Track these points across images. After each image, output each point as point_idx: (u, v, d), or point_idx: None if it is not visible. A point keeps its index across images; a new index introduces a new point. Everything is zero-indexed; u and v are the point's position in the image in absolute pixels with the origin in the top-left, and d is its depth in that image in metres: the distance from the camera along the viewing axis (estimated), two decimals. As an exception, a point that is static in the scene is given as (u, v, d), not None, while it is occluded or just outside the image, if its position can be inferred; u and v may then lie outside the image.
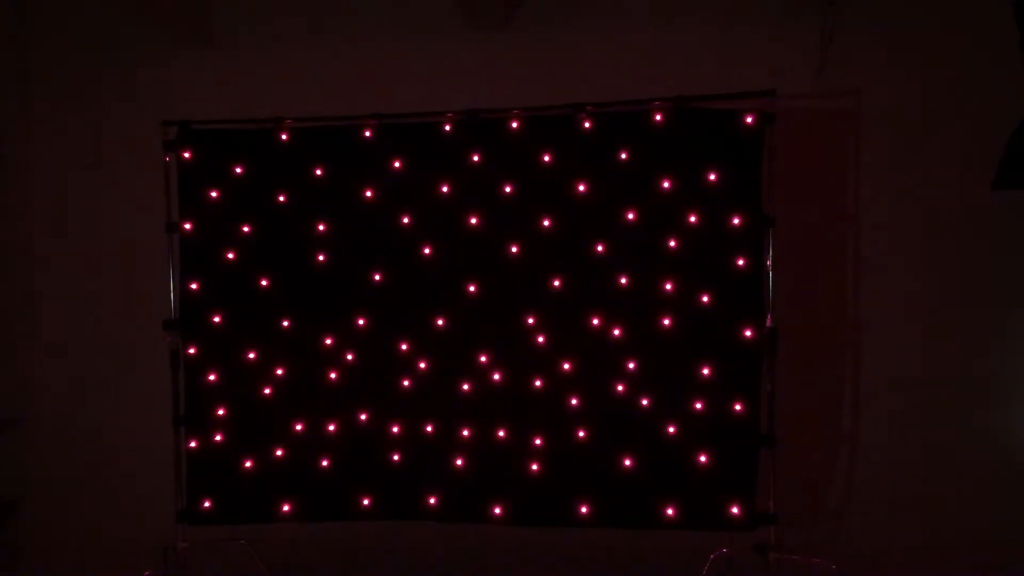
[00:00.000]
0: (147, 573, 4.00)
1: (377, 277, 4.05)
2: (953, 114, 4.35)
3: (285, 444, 4.08)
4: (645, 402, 3.89)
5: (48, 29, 5.03)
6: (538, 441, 3.95)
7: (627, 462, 3.88)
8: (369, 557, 4.34)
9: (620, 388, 3.90)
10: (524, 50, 4.53)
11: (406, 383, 4.04)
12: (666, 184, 3.87)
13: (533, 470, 3.94)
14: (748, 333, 3.80)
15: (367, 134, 4.05)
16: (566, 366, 3.94)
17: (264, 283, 4.09)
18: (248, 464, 4.08)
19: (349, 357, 4.06)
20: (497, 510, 3.96)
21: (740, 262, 3.81)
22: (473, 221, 3.99)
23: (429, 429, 4.02)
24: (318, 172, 4.07)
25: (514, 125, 3.97)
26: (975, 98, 4.32)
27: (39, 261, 5.09)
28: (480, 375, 3.99)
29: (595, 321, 3.92)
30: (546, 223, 3.95)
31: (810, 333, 4.31)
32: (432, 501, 4.00)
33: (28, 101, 5.06)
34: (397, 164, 4.04)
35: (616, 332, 3.91)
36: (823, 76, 4.39)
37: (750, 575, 3.88)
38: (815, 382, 4.40)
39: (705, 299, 3.84)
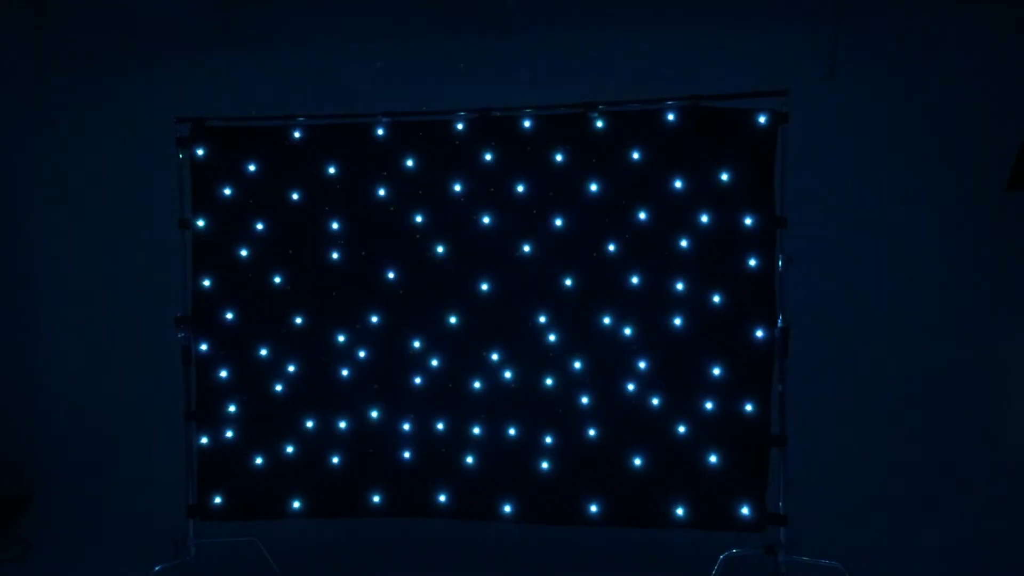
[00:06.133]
0: (158, 568, 4.01)
1: (390, 274, 4.05)
2: (966, 115, 4.35)
3: (296, 441, 4.09)
4: (656, 401, 3.89)
5: (63, 26, 5.06)
6: (548, 439, 3.95)
7: (637, 461, 3.88)
8: (378, 554, 4.35)
9: (631, 387, 3.90)
10: (537, 48, 4.54)
11: (417, 380, 4.04)
12: (678, 183, 3.87)
13: (543, 468, 3.94)
14: (760, 333, 3.79)
15: (379, 132, 4.06)
16: (577, 364, 3.94)
17: (276, 280, 4.10)
18: (258, 460, 4.09)
19: (361, 354, 4.07)
20: (507, 508, 3.96)
21: (752, 262, 3.81)
22: (485, 220, 4.00)
23: (440, 426, 4.03)
24: (331, 170, 4.08)
25: (526, 124, 3.97)
26: (989, 99, 4.31)
27: (51, 257, 5.12)
28: (491, 373, 4.00)
29: (606, 320, 3.92)
30: (558, 222, 3.95)
31: (822, 333, 4.31)
32: (442, 499, 4.01)
33: (41, 98, 5.09)
34: (409, 162, 4.05)
35: (627, 331, 3.91)
36: (835, 76, 4.39)
37: None
38: (826, 383, 4.39)
39: (716, 299, 3.84)
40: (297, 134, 4.09)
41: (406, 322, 4.05)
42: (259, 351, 4.10)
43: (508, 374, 3.99)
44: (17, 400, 5.05)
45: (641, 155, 3.90)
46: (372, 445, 4.06)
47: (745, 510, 3.79)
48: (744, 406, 3.81)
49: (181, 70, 4.96)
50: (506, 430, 3.98)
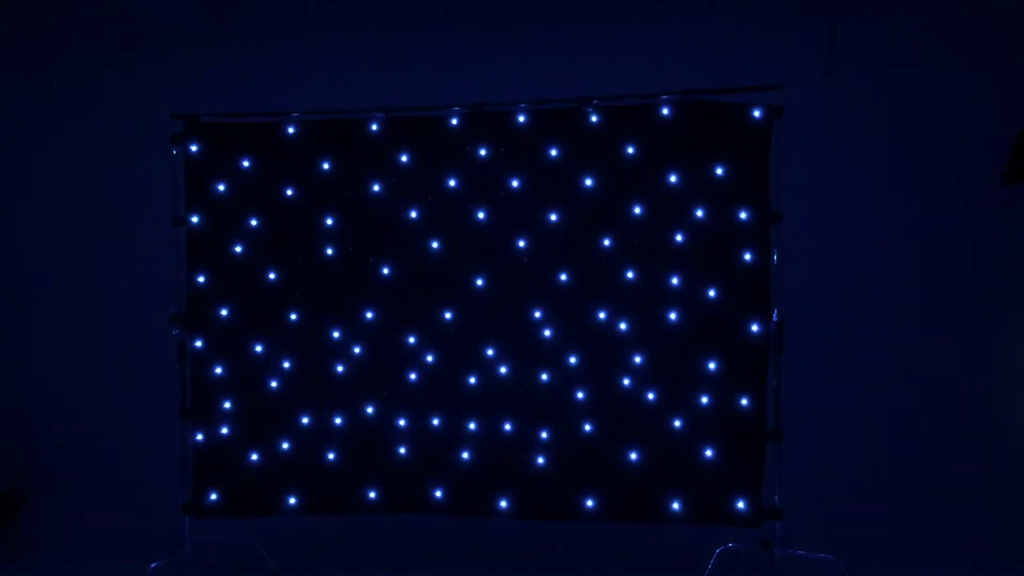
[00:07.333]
0: (153, 565, 4.01)
1: (385, 270, 4.05)
2: (961, 108, 4.35)
3: (291, 437, 4.08)
4: (651, 396, 3.88)
5: (58, 23, 5.04)
6: (544, 435, 3.95)
7: (633, 456, 3.88)
8: (374, 551, 4.34)
9: (626, 382, 3.90)
10: (532, 43, 4.53)
11: (413, 376, 4.04)
12: (673, 178, 3.86)
13: (539, 464, 3.94)
14: (755, 328, 3.79)
15: (374, 127, 4.05)
16: (573, 360, 3.94)
17: (271, 276, 4.09)
18: (254, 457, 4.09)
19: (356, 350, 4.07)
20: (503, 504, 3.96)
21: (747, 256, 3.80)
22: (480, 215, 3.99)
23: (436, 422, 4.02)
24: (325, 165, 4.07)
25: (521, 118, 3.96)
26: (983, 93, 4.31)
27: (46, 254, 5.11)
28: (487, 368, 3.99)
29: (602, 315, 3.92)
30: (553, 217, 3.94)
31: (817, 328, 4.31)
32: (438, 495, 4.01)
33: (35, 95, 5.08)
34: (404, 157, 4.04)
35: (623, 326, 3.91)
36: (831, 70, 4.39)
37: (756, 570, 3.88)
38: (822, 377, 4.40)
39: (712, 293, 3.83)
40: (291, 130, 4.08)
41: (401, 318, 4.05)
42: (254, 348, 4.09)
43: (504, 370, 3.98)
44: (13, 397, 5.05)
45: (636, 150, 3.89)
46: (368, 441, 4.06)
47: (741, 504, 3.79)
48: (739, 401, 3.81)
49: (175, 66, 4.94)
50: (502, 426, 3.98)
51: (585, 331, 3.93)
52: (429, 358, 4.03)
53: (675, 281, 3.86)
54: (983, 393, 4.37)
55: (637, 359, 3.90)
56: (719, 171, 3.82)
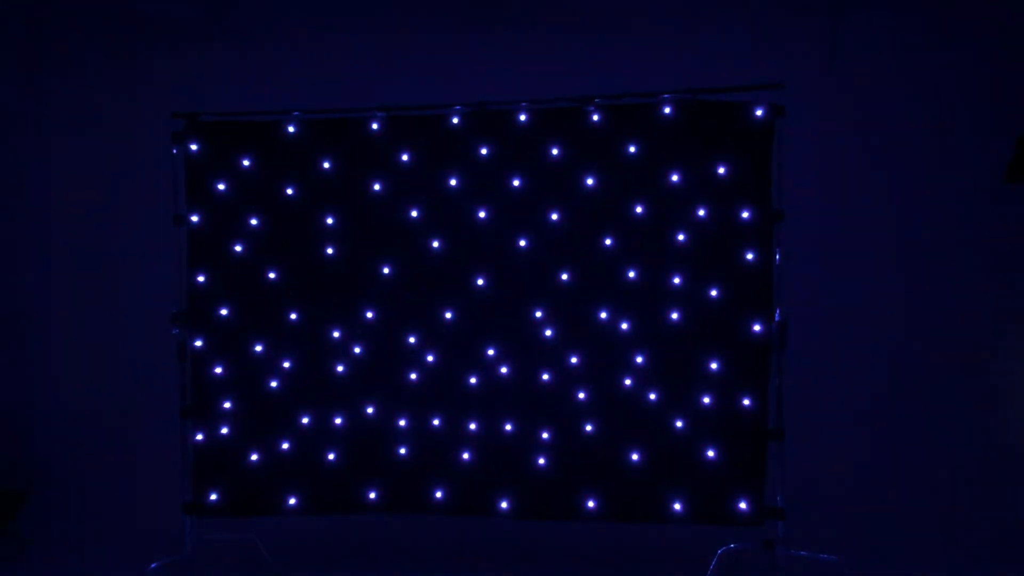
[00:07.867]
0: (153, 565, 4.00)
1: (385, 270, 4.04)
2: (964, 107, 4.34)
3: (292, 437, 4.08)
4: (653, 396, 3.87)
5: (57, 22, 5.04)
6: (545, 435, 3.94)
7: (635, 456, 3.87)
8: (375, 551, 4.33)
9: (628, 382, 3.89)
10: (533, 41, 4.52)
11: (413, 376, 4.03)
12: (675, 177, 3.85)
13: (540, 464, 3.93)
14: (757, 327, 3.78)
15: (375, 126, 4.04)
16: (574, 360, 3.93)
17: (272, 275, 4.08)
18: (254, 457, 4.08)
19: (356, 350, 4.06)
20: (504, 504, 3.95)
21: (749, 256, 3.79)
22: (481, 214, 3.98)
23: (436, 422, 4.01)
24: (326, 164, 4.06)
25: (522, 118, 3.95)
26: (987, 90, 4.30)
27: (47, 254, 5.11)
28: (488, 368, 3.98)
29: (603, 315, 3.91)
30: (554, 216, 3.93)
31: (819, 327, 4.30)
32: (439, 495, 3.99)
33: (35, 94, 5.08)
34: (405, 157, 4.03)
35: (624, 326, 3.90)
36: (832, 69, 4.38)
37: (758, 571, 3.86)
38: (824, 377, 4.38)
39: (714, 293, 3.82)
40: (291, 129, 4.07)
41: (402, 317, 4.04)
42: (254, 347, 4.09)
43: (504, 369, 3.97)
44: (15, 396, 5.04)
45: (638, 149, 3.88)
46: (368, 441, 4.05)
47: (743, 504, 3.78)
48: (741, 400, 3.79)
49: (175, 65, 4.93)
50: (503, 426, 3.97)
51: (586, 331, 3.92)
52: (430, 358, 4.02)
53: (677, 280, 3.85)
54: (985, 392, 4.36)
55: (639, 359, 3.88)
56: (721, 170, 3.81)
